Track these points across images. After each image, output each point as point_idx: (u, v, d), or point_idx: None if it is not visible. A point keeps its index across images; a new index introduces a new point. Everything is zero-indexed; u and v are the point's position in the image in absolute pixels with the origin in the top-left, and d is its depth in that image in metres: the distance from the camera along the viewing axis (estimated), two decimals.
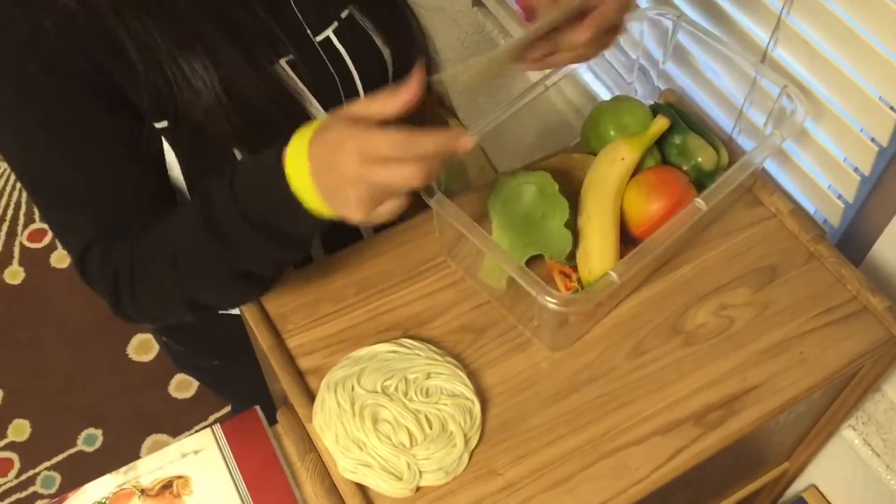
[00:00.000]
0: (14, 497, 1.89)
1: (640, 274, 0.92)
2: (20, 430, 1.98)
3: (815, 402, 1.04)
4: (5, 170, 2.40)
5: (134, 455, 1.92)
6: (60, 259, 2.23)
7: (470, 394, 0.86)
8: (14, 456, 1.95)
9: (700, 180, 0.97)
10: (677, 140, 0.98)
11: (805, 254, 0.98)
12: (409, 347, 0.89)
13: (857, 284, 0.94)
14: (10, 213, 2.32)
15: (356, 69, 0.92)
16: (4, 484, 1.91)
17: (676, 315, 0.93)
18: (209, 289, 0.82)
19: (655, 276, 0.96)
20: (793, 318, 0.93)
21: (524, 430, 0.86)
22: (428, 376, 0.86)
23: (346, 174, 0.63)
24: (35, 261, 2.23)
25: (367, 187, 0.63)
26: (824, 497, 1.25)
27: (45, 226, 2.28)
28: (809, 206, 1.06)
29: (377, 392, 0.84)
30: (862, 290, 0.94)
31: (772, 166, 1.07)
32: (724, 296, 0.95)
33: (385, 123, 0.64)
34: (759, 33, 1.00)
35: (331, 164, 0.65)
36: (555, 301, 0.79)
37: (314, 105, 0.88)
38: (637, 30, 1.04)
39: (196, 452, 0.89)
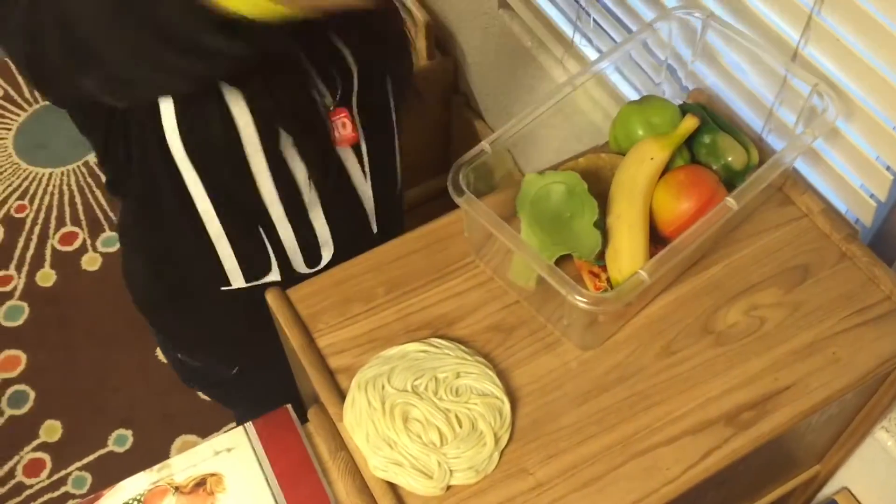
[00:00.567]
0: (46, 497, 1.92)
1: (669, 273, 0.92)
2: (52, 430, 2.01)
3: (848, 404, 1.03)
4: (35, 174, 2.43)
5: (164, 455, 1.94)
6: (91, 261, 2.26)
7: (500, 393, 0.86)
8: (46, 456, 1.97)
9: (730, 180, 0.96)
10: (707, 139, 0.97)
11: (837, 253, 0.97)
12: (438, 347, 0.89)
13: (890, 284, 0.93)
14: (41, 216, 2.35)
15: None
16: (37, 484, 1.93)
17: (707, 315, 0.93)
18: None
19: (685, 276, 0.96)
20: (825, 318, 0.92)
21: (554, 429, 0.86)
22: (458, 375, 0.87)
23: None
24: (66, 263, 2.26)
25: None
26: (857, 500, 1.23)
27: (76, 228, 2.32)
28: (841, 206, 1.06)
29: (407, 391, 0.85)
30: (895, 290, 0.93)
31: (802, 165, 1.07)
32: (754, 296, 0.94)
33: None
34: (790, 31, 0.99)
35: None
36: (584, 300, 0.79)
37: None
38: (665, 30, 1.03)
39: (229, 450, 0.90)
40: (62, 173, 2.44)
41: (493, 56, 1.81)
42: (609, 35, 1.41)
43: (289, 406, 0.95)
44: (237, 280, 1.04)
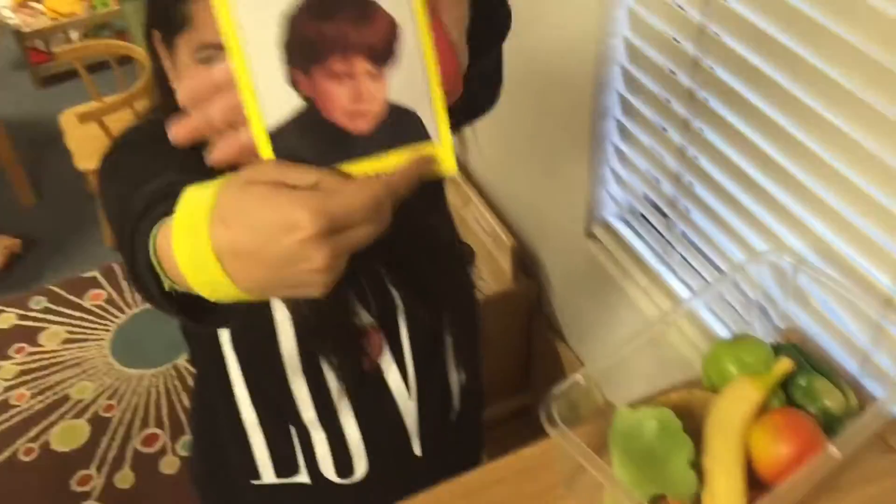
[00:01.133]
0: None
1: None
2: None
3: None
4: (127, 375, 2.52)
5: None
6: (169, 464, 2.28)
7: None
8: None
9: (828, 424, 0.94)
10: (802, 382, 0.97)
11: None
12: None
13: None
14: (127, 416, 2.41)
15: None
16: None
17: None
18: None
19: None
20: None
21: None
22: None
23: (296, 253, 0.51)
24: (146, 466, 2.28)
25: (333, 258, 0.52)
26: None
27: (158, 430, 2.36)
28: None
29: None
30: None
31: None
32: None
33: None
34: (882, 278, 1.00)
35: (262, 249, 0.52)
36: None
37: None
38: (756, 271, 1.06)
39: None
40: (152, 375, 2.52)
41: (577, 281, 1.86)
42: (694, 268, 1.44)
43: None
44: (267, 474, 1.05)
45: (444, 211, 1.08)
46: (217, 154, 0.56)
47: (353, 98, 0.54)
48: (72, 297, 2.79)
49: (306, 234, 0.50)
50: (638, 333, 0.97)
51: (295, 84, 0.54)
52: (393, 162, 0.56)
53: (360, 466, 1.05)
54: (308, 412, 1.00)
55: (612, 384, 1.26)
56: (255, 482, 1.07)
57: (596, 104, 1.51)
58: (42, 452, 2.32)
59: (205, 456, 1.15)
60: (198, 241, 0.53)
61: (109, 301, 2.76)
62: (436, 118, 0.56)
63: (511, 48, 0.92)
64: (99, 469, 2.28)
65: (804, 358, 0.99)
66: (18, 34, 3.68)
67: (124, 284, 2.81)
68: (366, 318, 0.97)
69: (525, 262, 2.06)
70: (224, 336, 0.95)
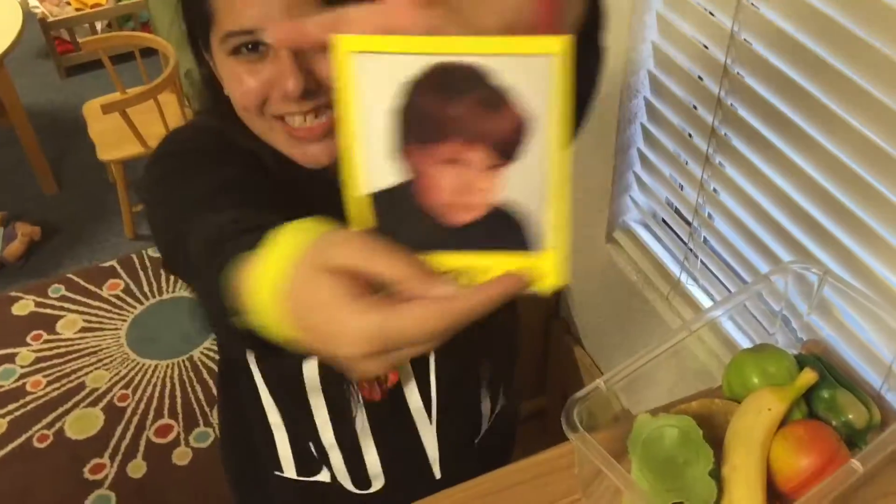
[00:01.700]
0: None
1: None
2: None
3: None
4: (142, 365, 2.53)
5: None
6: (182, 455, 2.29)
7: None
8: None
9: (850, 437, 0.94)
10: (825, 394, 0.96)
11: None
12: None
13: None
14: (141, 406, 2.42)
15: None
16: None
17: None
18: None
19: None
20: None
21: None
22: None
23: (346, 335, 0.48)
24: (159, 456, 2.29)
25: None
26: None
27: (172, 421, 2.37)
28: None
29: None
30: None
31: None
32: None
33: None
34: None
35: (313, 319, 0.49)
36: None
37: None
38: (781, 281, 1.05)
39: None
40: (167, 366, 2.53)
41: (596, 286, 1.85)
42: (715, 276, 1.43)
43: None
44: (289, 470, 1.06)
45: None
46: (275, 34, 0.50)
47: (461, 190, 0.49)
48: (90, 287, 2.80)
49: (352, 352, 0.46)
50: (661, 342, 0.97)
51: (400, 158, 0.49)
52: (488, 264, 0.49)
53: (378, 483, 1.05)
54: (327, 433, 1.00)
55: (631, 392, 1.26)
56: (279, 474, 1.07)
57: (622, 109, 1.50)
58: (56, 440, 2.34)
59: (235, 443, 1.16)
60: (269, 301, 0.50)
61: (127, 291, 2.78)
62: (552, 226, 0.49)
63: None
64: (112, 458, 2.29)
65: (828, 370, 0.98)
66: (44, 23, 3.70)
67: (142, 275, 2.82)
68: None
69: None
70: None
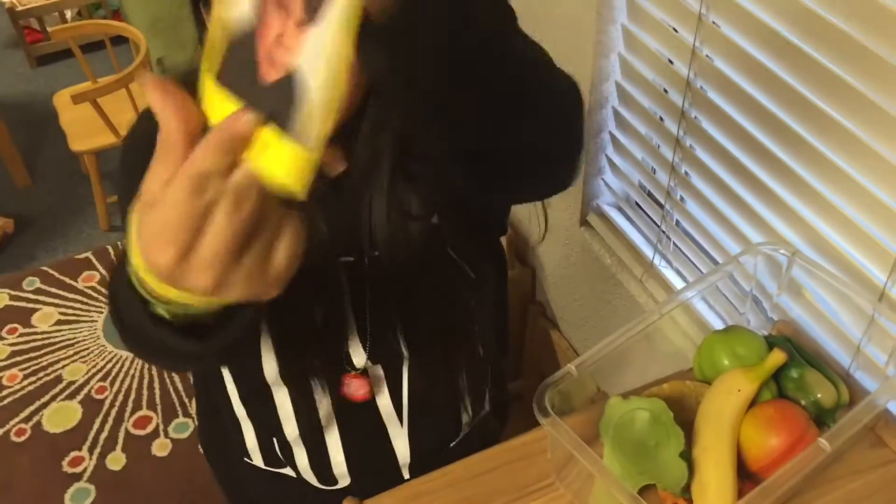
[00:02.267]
0: None
1: None
2: None
3: None
4: (119, 357, 2.52)
5: None
6: (161, 447, 2.28)
7: None
8: None
9: (819, 416, 0.95)
10: (794, 374, 0.97)
11: None
12: None
13: None
14: (119, 398, 2.41)
15: None
16: None
17: None
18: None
19: None
20: None
21: None
22: None
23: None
24: (138, 448, 2.28)
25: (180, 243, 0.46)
26: None
27: (151, 413, 2.36)
28: None
29: None
30: None
31: (894, 406, 1.04)
32: None
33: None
34: (876, 272, 1.00)
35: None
36: None
37: None
38: (750, 263, 1.06)
39: None
40: None
41: (571, 270, 1.86)
42: (688, 258, 1.44)
43: None
44: (257, 459, 1.06)
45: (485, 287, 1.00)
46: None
47: (276, 41, 0.46)
48: (65, 279, 2.78)
49: (196, 284, 0.47)
50: (633, 324, 0.97)
51: None
52: (269, 138, 0.46)
53: (343, 482, 1.04)
54: (290, 427, 0.99)
55: (607, 374, 1.27)
56: (248, 461, 1.08)
57: (593, 93, 1.50)
58: (34, 433, 2.32)
59: (209, 427, 1.17)
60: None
61: (102, 283, 2.75)
62: (310, 116, 0.45)
63: None
64: (91, 451, 2.28)
65: (797, 350, 0.99)
66: (13, 13, 3.65)
67: None
68: (359, 360, 0.94)
69: (520, 250, 2.06)
70: None
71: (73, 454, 2.27)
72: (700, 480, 0.88)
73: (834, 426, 0.85)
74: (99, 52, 3.03)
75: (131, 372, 2.48)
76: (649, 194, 1.51)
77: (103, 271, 2.79)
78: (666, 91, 1.34)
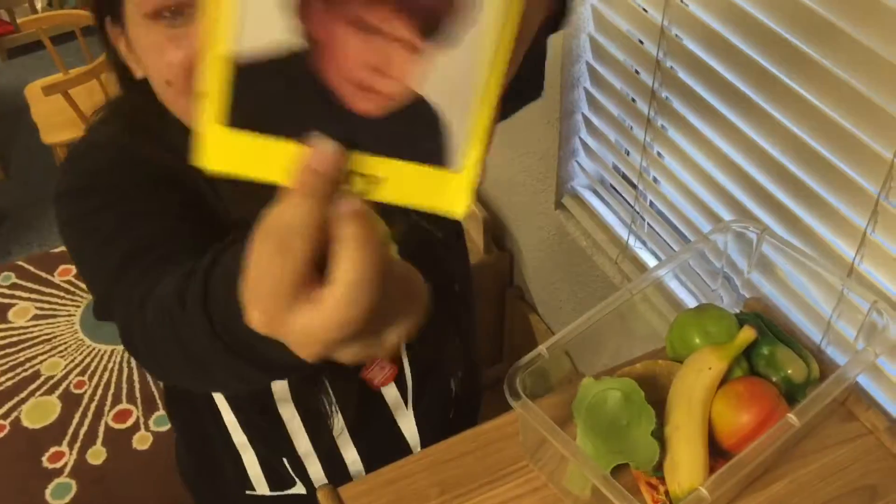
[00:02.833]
0: None
1: (731, 490, 0.89)
2: None
3: None
4: (97, 350, 2.50)
5: None
6: (142, 440, 2.27)
7: None
8: None
9: (790, 392, 0.95)
10: (765, 350, 0.97)
11: None
12: None
13: None
14: (99, 392, 2.39)
15: None
16: None
17: None
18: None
19: (747, 492, 0.93)
20: None
21: None
22: None
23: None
24: (118, 442, 2.27)
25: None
26: None
27: (131, 406, 2.35)
28: None
29: None
30: None
31: (865, 380, 1.05)
32: None
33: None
34: (845, 248, 1.01)
35: None
36: None
37: None
38: (721, 240, 1.06)
39: None
40: (124, 350, 2.50)
41: (548, 253, 1.86)
42: (663, 238, 1.44)
43: None
44: (262, 487, 1.03)
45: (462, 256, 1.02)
46: None
47: (373, 64, 0.38)
48: (41, 273, 2.75)
49: (314, 354, 0.41)
50: (605, 304, 0.97)
51: (300, 14, 0.37)
52: (389, 172, 0.40)
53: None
54: (302, 442, 0.97)
55: (584, 354, 1.27)
56: (251, 493, 1.04)
57: (565, 75, 1.50)
58: (13, 429, 2.30)
59: (198, 464, 1.11)
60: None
61: (79, 276, 2.73)
62: (469, 141, 0.39)
63: None
64: (71, 445, 2.26)
65: (767, 327, 0.99)
66: None
67: None
68: None
69: (496, 234, 2.06)
70: None
71: (53, 449, 2.25)
72: (672, 459, 0.89)
73: (804, 402, 0.85)
74: (70, 43, 2.99)
75: (110, 366, 2.46)
76: (623, 176, 1.51)
77: None
78: (637, 72, 1.34)
